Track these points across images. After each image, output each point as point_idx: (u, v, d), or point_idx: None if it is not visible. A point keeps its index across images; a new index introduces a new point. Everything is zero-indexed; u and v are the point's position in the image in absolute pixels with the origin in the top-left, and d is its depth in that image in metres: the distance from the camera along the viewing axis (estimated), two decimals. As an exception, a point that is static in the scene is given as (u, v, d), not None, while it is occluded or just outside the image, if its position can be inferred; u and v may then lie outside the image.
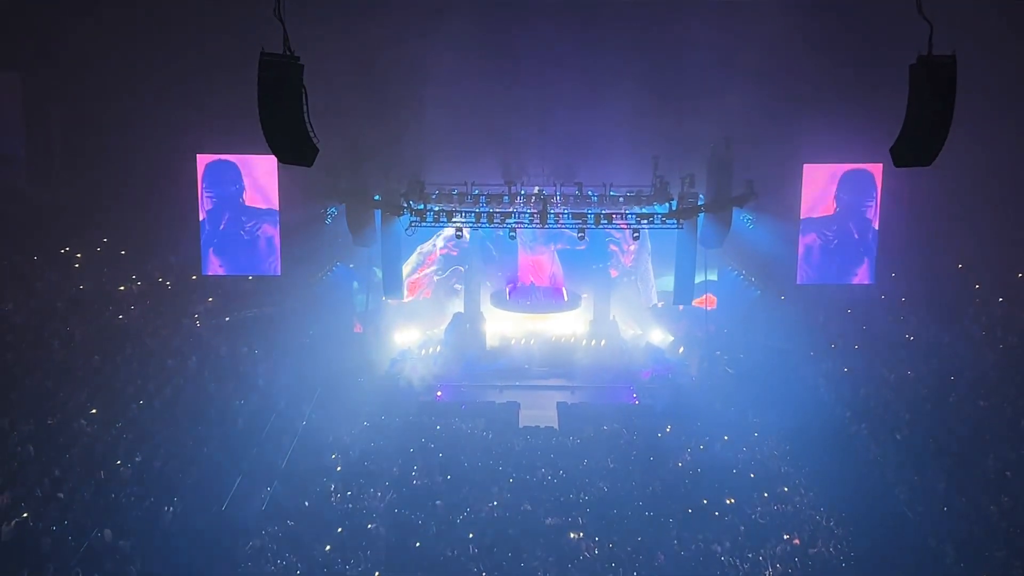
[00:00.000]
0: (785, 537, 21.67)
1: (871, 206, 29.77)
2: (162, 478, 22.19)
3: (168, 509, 21.10)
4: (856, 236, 30.09)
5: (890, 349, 29.63)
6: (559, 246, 38.77)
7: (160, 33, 23.87)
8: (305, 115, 8.64)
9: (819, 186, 30.04)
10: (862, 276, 30.41)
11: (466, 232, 32.29)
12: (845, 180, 29.82)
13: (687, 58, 26.21)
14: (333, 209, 32.46)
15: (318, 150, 9.01)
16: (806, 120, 27.64)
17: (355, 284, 36.19)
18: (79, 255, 29.07)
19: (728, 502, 23.38)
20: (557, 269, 39.38)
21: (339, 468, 25.12)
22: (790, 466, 25.51)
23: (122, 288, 29.35)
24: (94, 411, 23.69)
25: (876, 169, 29.59)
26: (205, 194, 29.28)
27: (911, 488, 22.81)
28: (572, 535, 21.86)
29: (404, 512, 22.78)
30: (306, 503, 23.19)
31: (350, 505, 23.16)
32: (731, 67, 25.40)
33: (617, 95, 26.72)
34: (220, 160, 29.13)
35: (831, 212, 30.02)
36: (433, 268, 39.19)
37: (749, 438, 27.26)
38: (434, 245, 38.58)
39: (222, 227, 29.53)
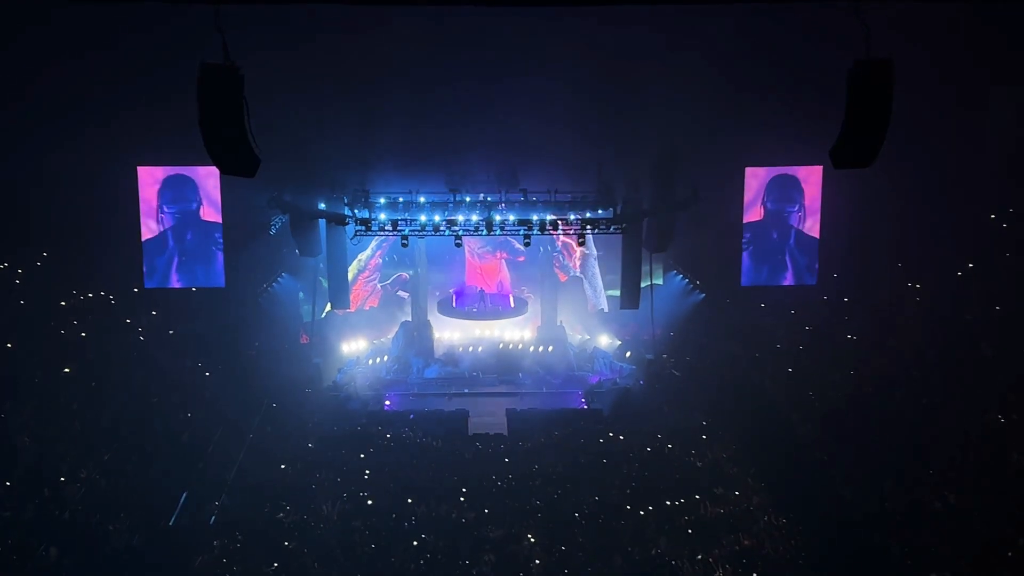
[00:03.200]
0: (735, 538, 21.85)
1: (795, 211, 30.02)
2: (108, 494, 21.92)
3: (114, 527, 20.83)
4: (779, 241, 30.32)
5: (834, 349, 29.99)
6: (504, 255, 39.00)
7: (98, 43, 23.51)
8: (246, 126, 8.58)
9: (754, 190, 30.20)
10: (788, 281, 30.64)
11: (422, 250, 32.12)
12: (771, 186, 30.08)
13: (630, 64, 26.33)
14: (277, 220, 32.26)
15: (260, 161, 8.95)
16: (747, 124, 27.88)
17: (300, 295, 36.01)
18: (19, 270, 28.57)
19: (679, 503, 23.53)
20: (505, 275, 39.53)
21: (288, 481, 24.94)
22: (738, 467, 25.71)
23: (63, 303, 28.92)
24: (39, 428, 23.33)
25: (802, 173, 29.87)
26: (166, 209, 28.91)
27: (857, 487, 23.08)
28: (524, 542, 21.87)
29: (354, 523, 22.65)
30: (255, 517, 23.00)
31: (300, 517, 22.99)
32: (673, 72, 25.54)
33: (561, 102, 26.78)
34: (178, 175, 28.76)
35: (759, 218, 30.23)
36: (375, 276, 39.15)
37: (697, 440, 27.44)
38: (372, 251, 38.57)
39: (187, 242, 29.16)
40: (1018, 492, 20.94)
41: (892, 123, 8.80)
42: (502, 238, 37.77)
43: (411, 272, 38.57)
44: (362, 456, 26.50)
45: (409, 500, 23.71)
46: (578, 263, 39.75)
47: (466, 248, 38.01)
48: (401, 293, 39.59)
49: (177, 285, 29.42)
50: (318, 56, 25.03)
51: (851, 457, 24.29)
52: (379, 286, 39.43)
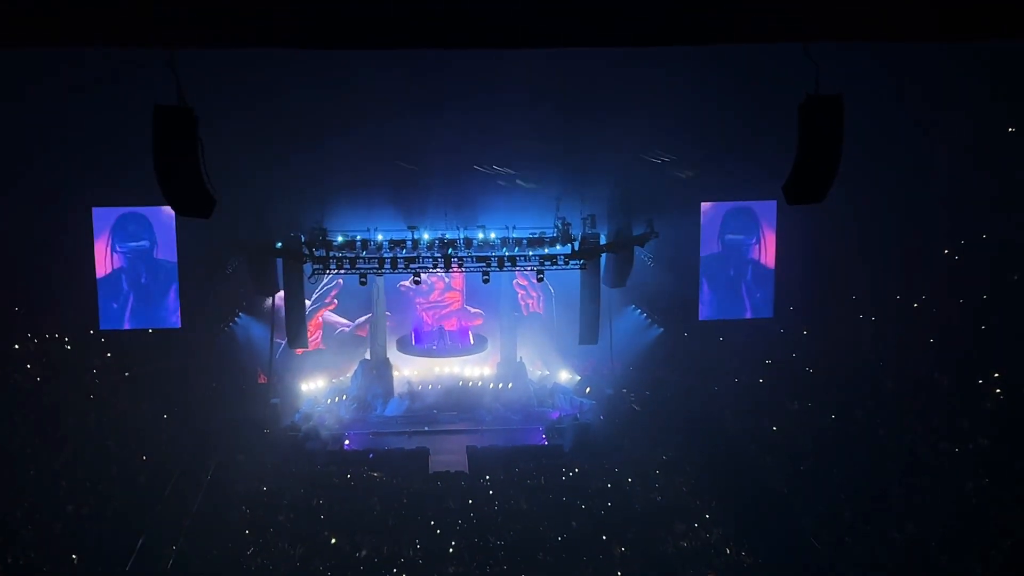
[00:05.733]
0: (698, 572, 21.86)
1: (753, 244, 30.22)
2: (63, 540, 21.58)
3: (70, 573, 20.51)
4: (736, 276, 30.52)
5: (791, 381, 30.18)
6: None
7: (51, 84, 23.32)
8: (201, 166, 8.53)
9: (711, 223, 30.37)
10: (746, 314, 30.84)
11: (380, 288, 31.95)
12: (729, 218, 30.27)
13: (586, 101, 26.51)
14: (234, 260, 31.97)
15: (215, 201, 8.90)
16: (703, 159, 28.13)
17: (258, 334, 35.70)
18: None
19: (641, 537, 23.50)
20: (463, 313, 39.63)
21: (247, 523, 24.66)
22: (699, 501, 25.74)
23: (16, 346, 28.53)
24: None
25: (760, 206, 30.12)
26: (119, 248, 28.63)
27: (817, 518, 23.20)
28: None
29: (315, 565, 22.43)
30: (214, 560, 22.71)
31: (260, 560, 22.73)
32: (629, 108, 25.72)
33: (518, 138, 26.89)
34: (130, 213, 28.52)
35: (717, 250, 30.38)
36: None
37: (658, 475, 27.45)
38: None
39: (141, 283, 28.91)
40: (973, 520, 21.12)
41: (845, 157, 8.89)
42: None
43: (368, 312, 38.44)
44: (321, 498, 26.25)
45: (370, 539, 23.53)
46: (538, 301, 39.81)
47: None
48: (359, 331, 39.39)
49: (129, 326, 29.08)
50: (274, 94, 24.98)
51: (811, 489, 24.44)
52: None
